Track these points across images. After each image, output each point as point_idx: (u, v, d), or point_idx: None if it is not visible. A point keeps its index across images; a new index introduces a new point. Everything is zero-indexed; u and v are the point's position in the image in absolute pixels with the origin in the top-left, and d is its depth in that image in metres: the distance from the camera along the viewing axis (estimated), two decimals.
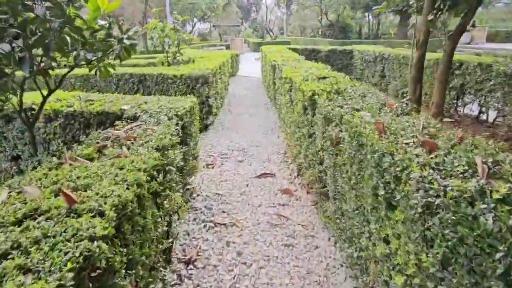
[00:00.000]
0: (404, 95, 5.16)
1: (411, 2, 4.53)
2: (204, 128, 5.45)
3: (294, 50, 10.48)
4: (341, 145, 2.11)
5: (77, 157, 1.87)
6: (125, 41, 2.58)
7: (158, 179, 1.86)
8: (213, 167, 4.07)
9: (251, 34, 37.86)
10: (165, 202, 1.97)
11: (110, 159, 1.81)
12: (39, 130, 3.31)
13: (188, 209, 3.04)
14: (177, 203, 2.23)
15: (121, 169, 1.64)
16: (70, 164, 1.80)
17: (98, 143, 2.15)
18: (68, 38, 2.08)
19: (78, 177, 1.55)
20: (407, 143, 1.60)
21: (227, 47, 25.15)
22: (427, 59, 5.46)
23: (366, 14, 36.21)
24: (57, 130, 3.22)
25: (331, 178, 2.38)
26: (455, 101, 5.47)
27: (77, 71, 5.72)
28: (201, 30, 41.52)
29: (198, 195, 3.34)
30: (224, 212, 3.02)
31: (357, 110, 2.39)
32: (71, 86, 6.18)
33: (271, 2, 38.16)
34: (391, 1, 4.59)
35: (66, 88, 6.19)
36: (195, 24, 32.24)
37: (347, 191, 2.02)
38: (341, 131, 2.24)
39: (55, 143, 3.29)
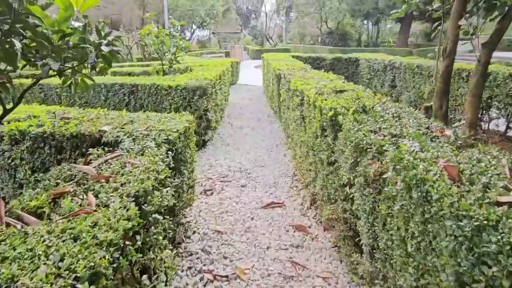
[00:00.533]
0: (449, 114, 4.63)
1: (435, 6, 4.06)
2: (202, 144, 4.90)
3: (297, 58, 10.02)
4: (386, 189, 1.57)
5: (20, 212, 1.32)
6: (103, 47, 2.04)
7: (135, 243, 1.31)
8: (212, 194, 3.51)
9: (251, 42, 37.62)
10: (145, 276, 1.41)
11: (65, 217, 1.26)
12: (4, 154, 2.76)
13: (181, 253, 2.48)
14: (166, 265, 1.67)
15: (75, 240, 1.09)
16: (7, 225, 1.25)
17: (57, 184, 1.60)
18: (17, 44, 1.54)
19: (4, 259, 1.00)
20: (509, 204, 1.06)
21: (227, 55, 24.78)
22: None
23: (365, 22, 36.08)
24: (24, 155, 2.67)
25: (366, 228, 1.84)
26: (480, 115, 4.96)
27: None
28: (200, 37, 41.31)
29: (194, 232, 2.77)
30: (225, 257, 2.45)
31: (396, 136, 1.87)
32: (57, 98, 5.64)
33: (270, 9, 38.01)
34: (412, 4, 4.12)
35: (52, 100, 5.65)
36: (194, 31, 31.95)
37: (397, 255, 1.47)
38: (382, 164, 1.70)
39: (21, 169, 2.73)
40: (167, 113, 4.74)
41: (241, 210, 3.17)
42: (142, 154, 1.95)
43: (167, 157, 2.03)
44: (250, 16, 53.04)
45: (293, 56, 10.02)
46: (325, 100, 2.73)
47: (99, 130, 2.45)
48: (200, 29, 32.04)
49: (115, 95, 5.03)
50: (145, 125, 2.53)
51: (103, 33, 2.15)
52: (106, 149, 2.11)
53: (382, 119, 2.22)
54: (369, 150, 1.83)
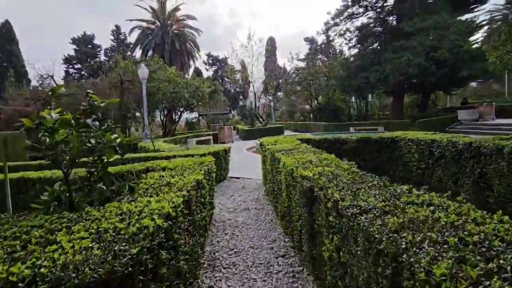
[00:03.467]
0: None
1: None
2: None
3: (306, 141, 7.40)
4: None
5: None
6: None
7: None
8: None
9: (240, 121, 36.47)
10: None
11: None
12: None
13: None
14: None
15: None
16: None
17: None
18: None
19: None
20: None
21: (215, 137, 22.67)
22: None
23: (354, 96, 35.77)
24: None
25: None
26: None
27: None
28: (188, 120, 40.15)
29: None
30: None
31: None
32: None
33: (257, 89, 37.82)
34: None
35: None
36: (181, 114, 30.53)
37: None
38: None
39: None
40: None
41: None
42: None
43: None
44: (238, 97, 53.79)
45: (301, 140, 7.36)
46: None
47: None
48: (186, 112, 30.64)
49: None
50: None
51: None
52: None
53: None
54: None
